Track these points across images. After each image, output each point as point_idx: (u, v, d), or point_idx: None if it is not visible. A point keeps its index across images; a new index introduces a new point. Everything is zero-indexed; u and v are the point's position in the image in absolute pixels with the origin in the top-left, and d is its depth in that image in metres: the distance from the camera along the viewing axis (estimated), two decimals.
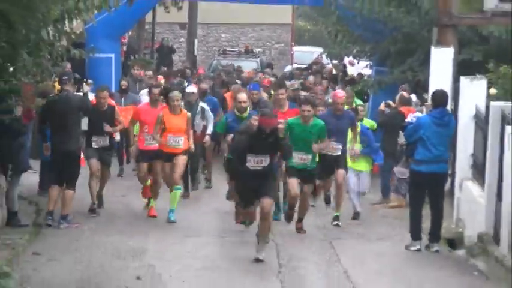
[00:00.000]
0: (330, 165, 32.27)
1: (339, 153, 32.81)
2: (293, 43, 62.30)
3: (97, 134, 22.82)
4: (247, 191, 25.65)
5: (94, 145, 22.90)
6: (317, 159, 31.68)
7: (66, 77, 29.10)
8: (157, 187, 25.25)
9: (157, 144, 25.62)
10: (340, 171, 33.34)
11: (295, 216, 31.92)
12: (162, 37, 54.49)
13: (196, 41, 55.50)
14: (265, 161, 25.69)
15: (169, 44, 55.83)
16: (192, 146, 28.40)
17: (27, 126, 26.42)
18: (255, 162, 25.56)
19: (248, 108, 25.81)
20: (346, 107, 33.01)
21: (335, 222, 31.21)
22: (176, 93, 22.87)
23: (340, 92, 29.50)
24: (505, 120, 28.53)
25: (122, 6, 29.20)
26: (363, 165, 36.33)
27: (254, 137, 25.09)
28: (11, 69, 24.98)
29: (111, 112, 23.73)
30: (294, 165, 29.31)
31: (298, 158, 29.60)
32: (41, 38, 23.92)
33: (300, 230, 31.14)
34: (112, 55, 37.22)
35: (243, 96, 24.92)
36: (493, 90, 33.82)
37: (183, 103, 33.14)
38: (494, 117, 29.70)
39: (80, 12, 26.61)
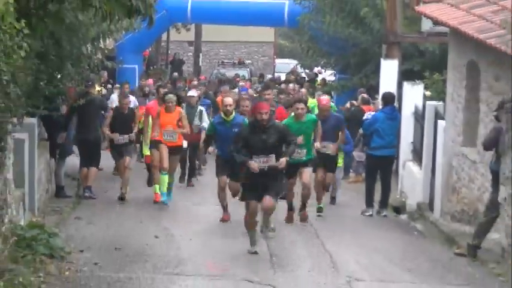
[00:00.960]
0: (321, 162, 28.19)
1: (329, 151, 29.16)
2: (275, 56, 62.15)
3: (119, 133, 22.95)
4: (252, 187, 21.69)
5: (116, 142, 23.14)
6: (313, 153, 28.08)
7: (90, 83, 29.65)
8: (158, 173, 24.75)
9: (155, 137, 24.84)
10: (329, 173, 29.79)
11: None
12: (174, 52, 54.26)
13: (201, 55, 55.55)
14: (270, 160, 21.77)
15: (180, 57, 55.91)
16: (185, 144, 28.27)
17: (68, 120, 26.49)
18: (260, 162, 21.69)
19: (234, 111, 24.30)
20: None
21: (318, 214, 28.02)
22: (171, 96, 23.22)
23: (324, 99, 27.08)
24: (437, 116, 30.24)
25: (143, 28, 29.70)
26: (340, 161, 32.56)
27: (251, 130, 21.26)
28: (59, 76, 25.45)
29: (132, 115, 23.84)
30: (289, 161, 23.62)
31: (296, 153, 25.26)
32: (82, 52, 24.60)
33: (305, 219, 26.81)
34: (136, 66, 37.54)
35: (228, 100, 23.55)
36: (428, 93, 33.89)
37: (184, 105, 33.18)
38: (429, 114, 31.43)
39: (112, 33, 27.64)
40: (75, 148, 26.32)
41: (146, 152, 26.81)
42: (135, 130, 23.39)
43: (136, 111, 25.49)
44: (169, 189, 28.03)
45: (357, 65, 40.54)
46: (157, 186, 24.93)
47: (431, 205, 30.00)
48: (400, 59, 32.25)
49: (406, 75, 33.36)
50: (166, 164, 22.42)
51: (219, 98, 40.67)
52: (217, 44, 54.72)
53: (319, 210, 28.33)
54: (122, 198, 23.23)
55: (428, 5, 30.33)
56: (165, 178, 23.21)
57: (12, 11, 13.85)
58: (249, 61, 52.98)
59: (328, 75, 43.76)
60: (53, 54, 21.38)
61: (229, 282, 15.93)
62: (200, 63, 53.32)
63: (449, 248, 22.75)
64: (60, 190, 27.28)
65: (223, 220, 22.23)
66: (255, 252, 20.63)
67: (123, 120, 22.20)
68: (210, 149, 24.27)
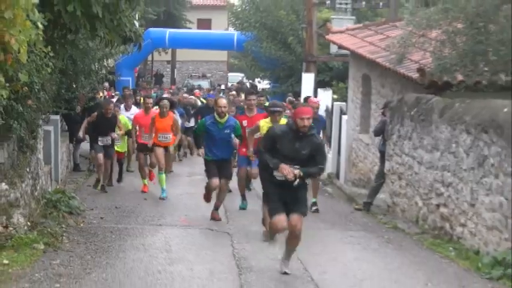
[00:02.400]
0: None
1: None
2: (228, 71, 61.90)
3: (102, 135, 20.72)
4: (279, 198, 14.01)
5: (100, 143, 20.88)
6: None
7: (96, 90, 29.45)
8: (145, 171, 22.73)
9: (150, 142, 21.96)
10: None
11: None
12: (157, 68, 53.86)
13: (175, 70, 55.20)
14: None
15: (160, 72, 55.46)
16: (176, 143, 25.02)
17: (82, 117, 26.43)
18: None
19: (227, 114, 19.43)
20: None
21: (314, 208, 21.50)
22: (165, 102, 20.61)
23: (314, 99, 22.79)
24: (342, 112, 30.31)
25: (135, 51, 29.77)
26: None
27: (286, 135, 13.66)
28: (75, 86, 25.35)
29: (114, 119, 21.48)
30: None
31: None
32: (91, 69, 24.77)
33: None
34: (129, 78, 37.27)
35: (222, 101, 19.05)
36: (335, 96, 33.64)
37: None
38: (336, 111, 30.81)
39: (112, 55, 27.86)
40: (86, 136, 26.05)
41: (118, 148, 24.13)
42: (121, 132, 21.48)
43: (118, 116, 23.35)
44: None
45: (285, 77, 40.62)
46: (145, 180, 22.74)
47: (337, 175, 30.77)
48: (316, 73, 32.39)
49: (319, 84, 33.45)
50: (163, 165, 20.20)
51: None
52: (187, 62, 54.42)
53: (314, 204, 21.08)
54: (102, 188, 21.44)
55: (335, 35, 30.58)
56: (163, 177, 20.92)
57: (41, 40, 13.90)
58: (209, 74, 52.68)
59: (265, 84, 43.58)
60: (71, 70, 21.64)
61: (196, 230, 16.10)
62: (175, 76, 53.03)
63: (350, 204, 22.98)
64: (76, 166, 27.41)
65: (214, 219, 17.84)
66: (285, 273, 13.22)
67: (106, 123, 20.36)
68: (201, 151, 18.83)
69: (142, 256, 13.99)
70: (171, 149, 22.57)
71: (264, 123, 16.44)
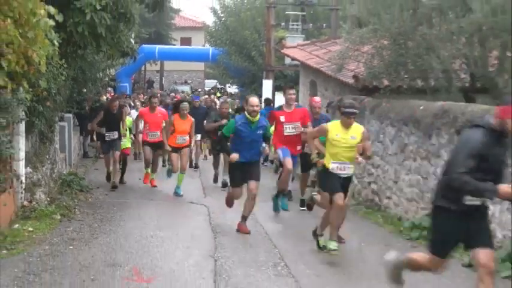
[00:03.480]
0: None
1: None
2: (204, 78, 61.56)
3: (109, 130, 17.92)
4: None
5: (106, 138, 17.99)
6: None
7: (100, 94, 28.75)
8: (155, 166, 19.18)
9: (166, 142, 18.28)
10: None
11: None
12: (148, 76, 53.59)
13: (163, 78, 55.06)
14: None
15: (151, 80, 55.21)
16: (192, 144, 20.88)
17: (90, 115, 26.28)
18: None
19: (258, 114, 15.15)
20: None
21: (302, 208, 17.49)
22: (186, 104, 17.30)
23: (316, 98, 17.60)
24: None
25: (131, 63, 29.63)
26: None
27: (491, 142, 7.66)
28: (84, 90, 24.81)
29: (120, 114, 18.86)
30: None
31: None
32: (97, 77, 24.43)
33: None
34: (127, 84, 37.06)
35: (255, 100, 14.77)
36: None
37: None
38: None
39: (113, 66, 27.44)
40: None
41: (126, 145, 21.07)
42: (124, 127, 18.64)
43: (124, 111, 20.58)
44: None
45: (249, 83, 40.49)
46: (148, 169, 19.13)
47: None
48: (273, 79, 32.19)
49: (276, 88, 33.18)
50: (184, 166, 17.09)
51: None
52: (173, 71, 54.18)
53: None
54: (114, 187, 18.14)
55: (288, 50, 30.53)
56: (182, 176, 17.77)
57: (57, 54, 13.94)
58: (190, 81, 52.58)
59: (233, 88, 43.49)
60: (80, 78, 21.50)
61: (180, 203, 16.13)
62: (163, 83, 52.91)
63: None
64: (85, 154, 27.19)
65: (241, 231, 13.40)
66: None
67: (113, 118, 17.94)
68: (234, 155, 13.74)
69: (138, 224, 14.00)
70: (187, 150, 18.49)
71: (333, 127, 11.84)
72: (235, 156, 13.00)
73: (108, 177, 17.98)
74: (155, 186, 19.22)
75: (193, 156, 24.22)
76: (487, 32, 17.14)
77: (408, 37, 18.17)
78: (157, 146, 17.84)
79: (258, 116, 13.47)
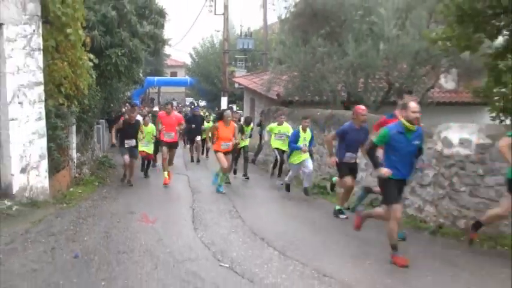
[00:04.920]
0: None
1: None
2: (185, 97, 60.44)
3: (127, 138, 14.39)
4: None
5: (126, 145, 14.31)
6: None
7: (121, 107, 26.69)
8: (171, 161, 14.99)
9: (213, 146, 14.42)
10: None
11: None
12: (151, 96, 52.67)
13: (160, 96, 54.24)
14: None
15: (153, 98, 54.31)
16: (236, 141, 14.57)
17: (115, 120, 25.89)
18: None
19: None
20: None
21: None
22: (229, 112, 13.88)
23: (362, 106, 10.91)
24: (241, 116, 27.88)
25: (140, 87, 29.32)
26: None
27: None
28: (111, 105, 23.23)
29: (137, 125, 15.02)
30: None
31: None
32: (118, 96, 24.01)
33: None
34: (137, 101, 36.25)
35: (415, 106, 7.49)
36: (237, 108, 32.72)
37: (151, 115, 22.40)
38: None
39: (129, 90, 27.03)
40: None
41: (147, 150, 16.81)
42: (142, 136, 15.16)
43: (145, 120, 17.11)
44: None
45: (212, 99, 40.29)
46: (166, 173, 14.63)
47: None
48: (227, 97, 31.58)
49: (230, 102, 32.99)
50: (228, 169, 13.31)
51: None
52: (166, 92, 53.17)
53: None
54: (131, 185, 14.46)
55: (236, 78, 30.40)
56: (225, 177, 13.87)
57: (94, 83, 14.10)
58: (176, 99, 51.86)
59: (203, 102, 43.00)
60: (109, 97, 21.17)
61: (172, 174, 15.76)
62: (160, 99, 52.21)
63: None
64: (112, 145, 25.90)
65: (397, 263, 7.08)
66: None
67: (131, 128, 14.70)
68: (387, 171, 7.35)
69: (145, 188, 13.95)
70: (230, 156, 14.05)
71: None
72: (387, 171, 7.48)
73: (124, 178, 14.39)
74: (166, 184, 14.26)
75: (194, 153, 20.81)
76: (357, 67, 17.35)
77: (309, 70, 18.28)
78: (172, 145, 14.54)
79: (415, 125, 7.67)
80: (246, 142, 16.69)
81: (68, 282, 5.81)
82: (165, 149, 14.39)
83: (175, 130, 14.37)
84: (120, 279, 5.99)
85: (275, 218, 10.06)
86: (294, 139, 12.43)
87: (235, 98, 33.29)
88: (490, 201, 8.20)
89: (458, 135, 8.63)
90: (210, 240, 7.93)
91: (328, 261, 7.04)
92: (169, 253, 7.20)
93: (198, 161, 20.51)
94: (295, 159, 12.63)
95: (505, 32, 9.65)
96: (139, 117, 21.12)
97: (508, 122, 9.60)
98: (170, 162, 14.67)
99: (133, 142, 13.79)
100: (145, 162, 16.73)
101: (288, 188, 13.22)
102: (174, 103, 41.92)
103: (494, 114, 9.81)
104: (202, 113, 23.57)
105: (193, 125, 19.87)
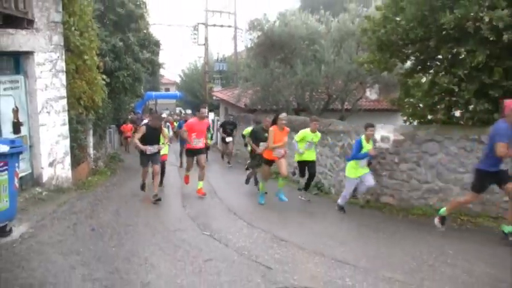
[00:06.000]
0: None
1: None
2: (176, 107, 60.12)
3: (151, 144, 9.64)
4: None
5: (148, 152, 9.64)
6: None
7: (127, 115, 26.20)
8: (203, 173, 10.27)
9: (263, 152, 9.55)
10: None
11: None
12: (150, 107, 52.07)
13: (157, 107, 53.68)
14: None
15: (151, 108, 53.68)
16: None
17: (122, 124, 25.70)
18: None
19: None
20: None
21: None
22: (284, 115, 9.32)
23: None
24: (217, 120, 26.48)
25: (141, 100, 29.00)
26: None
27: None
28: (120, 114, 22.29)
29: (160, 129, 9.80)
30: None
31: None
32: (125, 107, 23.48)
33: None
34: (140, 111, 35.12)
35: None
36: (217, 117, 32.41)
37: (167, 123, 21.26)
38: (216, 121, 26.70)
39: (133, 102, 26.41)
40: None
41: (164, 152, 11.36)
42: (166, 141, 10.41)
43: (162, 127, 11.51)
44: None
45: (196, 108, 39.96)
46: (201, 182, 10.24)
47: None
48: (208, 107, 31.29)
49: (210, 111, 32.78)
50: (284, 173, 9.09)
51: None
52: (162, 104, 52.77)
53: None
54: (158, 199, 9.38)
55: (214, 92, 30.19)
56: (284, 182, 9.74)
57: (106, 97, 13.82)
58: (168, 109, 51.39)
59: (188, 111, 42.64)
60: (118, 108, 20.78)
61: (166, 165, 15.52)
62: (156, 109, 51.71)
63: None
64: (121, 144, 25.50)
65: None
66: None
67: (154, 134, 9.96)
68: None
69: (148, 178, 13.76)
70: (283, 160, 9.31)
71: None
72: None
73: (143, 187, 10.26)
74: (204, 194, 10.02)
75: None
76: (304, 83, 17.40)
77: (269, 86, 18.26)
78: (202, 151, 10.35)
79: None
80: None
81: (86, 249, 5.76)
82: (190, 159, 10.23)
83: (205, 136, 10.55)
84: (127, 245, 5.96)
85: (245, 199, 10.02)
86: (357, 149, 8.60)
87: (213, 107, 33.11)
88: (402, 181, 8.42)
89: (380, 133, 8.79)
90: (195, 215, 7.91)
91: (284, 229, 7.05)
92: (164, 225, 7.16)
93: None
94: (354, 171, 8.65)
95: (411, 57, 9.81)
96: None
97: (415, 123, 9.83)
98: (203, 173, 10.06)
99: (155, 148, 9.55)
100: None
101: (343, 209, 8.63)
102: (167, 111, 40.99)
103: (405, 118, 10.02)
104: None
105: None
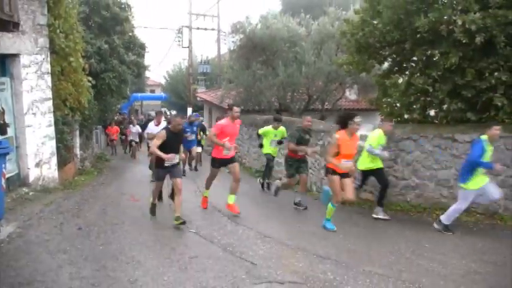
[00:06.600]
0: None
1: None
2: (161, 107, 59.75)
3: (172, 152, 6.74)
4: None
5: (166, 164, 6.78)
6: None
7: (112, 116, 25.22)
8: (237, 186, 7.52)
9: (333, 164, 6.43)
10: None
11: None
12: (136, 108, 51.51)
13: (142, 108, 53.13)
14: None
15: (137, 109, 52.98)
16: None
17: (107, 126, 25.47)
18: None
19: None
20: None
21: None
22: (357, 119, 6.37)
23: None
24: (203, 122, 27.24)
25: (127, 102, 28.66)
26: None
27: None
28: (106, 115, 21.71)
29: (182, 134, 7.16)
30: None
31: None
32: (112, 108, 22.92)
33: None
34: (126, 112, 34.44)
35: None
36: (201, 118, 32.14)
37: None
38: (200, 123, 27.60)
39: (119, 103, 25.85)
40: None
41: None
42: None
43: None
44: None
45: (181, 109, 39.16)
46: (233, 197, 7.58)
47: None
48: (192, 107, 30.77)
49: (194, 111, 32.48)
50: (352, 194, 6.48)
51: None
52: (147, 105, 52.29)
53: None
54: (182, 223, 6.67)
55: (199, 93, 30.04)
56: (333, 208, 6.77)
57: (93, 98, 13.67)
58: (153, 109, 50.92)
59: (173, 112, 42.18)
60: (104, 109, 20.42)
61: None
62: (142, 110, 51.19)
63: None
64: (107, 144, 25.08)
65: None
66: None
67: (176, 140, 6.89)
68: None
69: (134, 174, 13.65)
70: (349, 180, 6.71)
71: None
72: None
73: (153, 210, 7.47)
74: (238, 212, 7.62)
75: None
76: (286, 84, 17.44)
77: (251, 87, 18.25)
78: (231, 161, 7.58)
79: None
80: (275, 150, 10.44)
81: (74, 248, 5.68)
82: (215, 172, 7.85)
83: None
84: (114, 244, 5.89)
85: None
86: (479, 153, 6.22)
87: (198, 108, 32.92)
88: None
89: (359, 132, 8.79)
90: (181, 213, 7.81)
91: (268, 226, 7.05)
92: (151, 223, 7.10)
93: (196, 169, 14.10)
94: (475, 182, 6.42)
95: (388, 59, 9.90)
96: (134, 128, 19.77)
97: (392, 122, 9.81)
98: (237, 185, 7.69)
99: (176, 158, 6.95)
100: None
101: (447, 229, 6.71)
102: (152, 113, 40.75)
103: (383, 117, 10.05)
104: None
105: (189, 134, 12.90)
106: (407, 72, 9.50)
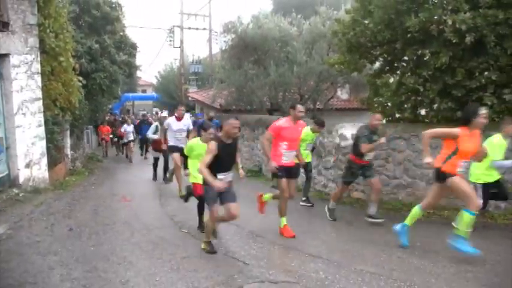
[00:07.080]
0: None
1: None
2: (152, 108, 59.55)
3: (224, 170, 5.14)
4: None
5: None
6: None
7: (104, 117, 24.81)
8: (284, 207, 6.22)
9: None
10: None
11: None
12: (127, 108, 51.25)
13: (134, 108, 52.94)
14: None
15: (128, 109, 52.79)
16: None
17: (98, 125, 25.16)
18: None
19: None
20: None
21: None
22: (482, 110, 4.91)
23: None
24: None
25: (118, 102, 28.53)
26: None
27: None
28: (97, 115, 21.47)
29: (237, 144, 5.22)
30: None
31: None
32: (102, 108, 22.78)
33: None
34: (117, 112, 34.31)
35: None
36: (190, 115, 31.94)
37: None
38: (192, 122, 27.41)
39: (110, 103, 25.87)
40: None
41: (193, 180, 6.25)
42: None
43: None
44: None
45: (172, 110, 39.46)
46: (284, 218, 6.23)
47: None
48: (184, 107, 30.70)
49: (186, 111, 32.35)
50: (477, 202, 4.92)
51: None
52: (138, 105, 52.00)
53: None
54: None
55: (190, 93, 29.94)
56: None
57: (83, 98, 13.56)
58: (145, 109, 50.77)
59: (165, 112, 42.03)
60: (95, 109, 20.28)
61: (144, 165, 15.41)
62: (134, 110, 50.93)
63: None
64: (99, 144, 24.67)
65: None
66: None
67: (229, 152, 5.20)
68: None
69: (125, 175, 13.58)
70: None
71: None
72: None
73: (211, 246, 5.57)
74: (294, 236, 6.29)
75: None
76: (277, 84, 17.43)
77: (243, 87, 18.22)
78: (294, 172, 6.34)
79: None
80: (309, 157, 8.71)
81: (65, 249, 5.64)
82: (285, 182, 6.24)
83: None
84: (105, 245, 5.87)
85: None
86: None
87: (189, 108, 32.78)
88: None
89: (351, 131, 8.84)
90: (173, 214, 7.83)
91: (259, 225, 7.01)
92: (143, 223, 7.06)
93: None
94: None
95: (380, 59, 9.91)
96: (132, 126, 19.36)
97: (383, 122, 9.84)
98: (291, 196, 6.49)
99: (230, 176, 5.39)
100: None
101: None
102: (144, 112, 40.66)
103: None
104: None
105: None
106: (398, 72, 9.53)
